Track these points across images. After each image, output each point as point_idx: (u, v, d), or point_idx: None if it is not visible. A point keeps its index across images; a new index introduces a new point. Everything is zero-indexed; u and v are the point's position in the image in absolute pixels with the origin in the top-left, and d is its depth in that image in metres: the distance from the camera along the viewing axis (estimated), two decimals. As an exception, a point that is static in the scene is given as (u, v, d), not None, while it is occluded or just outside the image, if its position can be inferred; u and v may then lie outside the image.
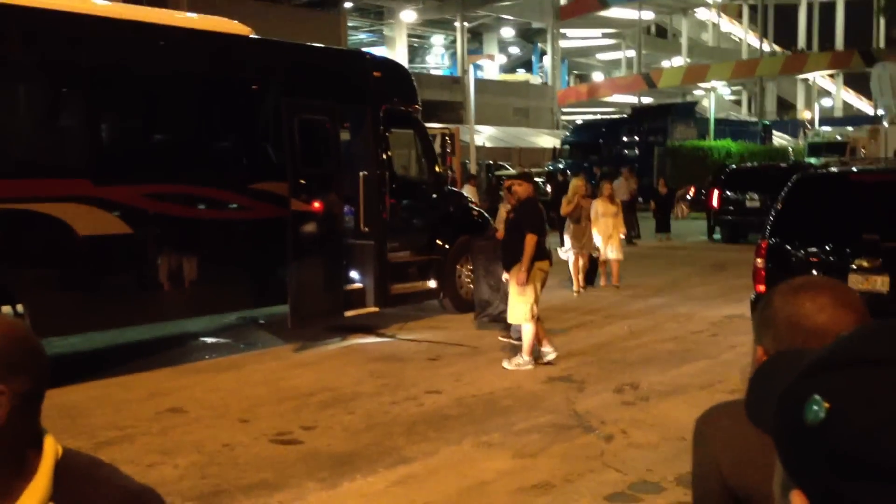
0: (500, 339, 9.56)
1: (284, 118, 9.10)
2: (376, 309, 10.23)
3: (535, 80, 55.39)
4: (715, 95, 40.50)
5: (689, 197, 25.54)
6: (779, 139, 46.30)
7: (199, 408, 7.18)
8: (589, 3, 52.90)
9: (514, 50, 59.42)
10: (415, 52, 53.35)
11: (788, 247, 7.68)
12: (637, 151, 32.13)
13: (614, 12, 54.81)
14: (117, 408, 7.15)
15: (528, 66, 58.69)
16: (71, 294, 8.00)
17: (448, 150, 12.04)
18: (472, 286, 10.92)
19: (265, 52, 9.99)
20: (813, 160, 27.38)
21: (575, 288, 12.87)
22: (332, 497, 5.29)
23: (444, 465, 5.84)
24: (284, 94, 9.33)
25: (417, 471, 5.72)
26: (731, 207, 20.55)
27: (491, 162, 31.46)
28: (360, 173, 10.24)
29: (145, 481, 1.53)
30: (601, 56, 65.79)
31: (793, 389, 0.75)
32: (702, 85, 49.31)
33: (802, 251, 7.65)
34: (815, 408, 0.71)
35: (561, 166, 30.07)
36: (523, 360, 8.40)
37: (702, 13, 64.45)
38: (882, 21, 53.37)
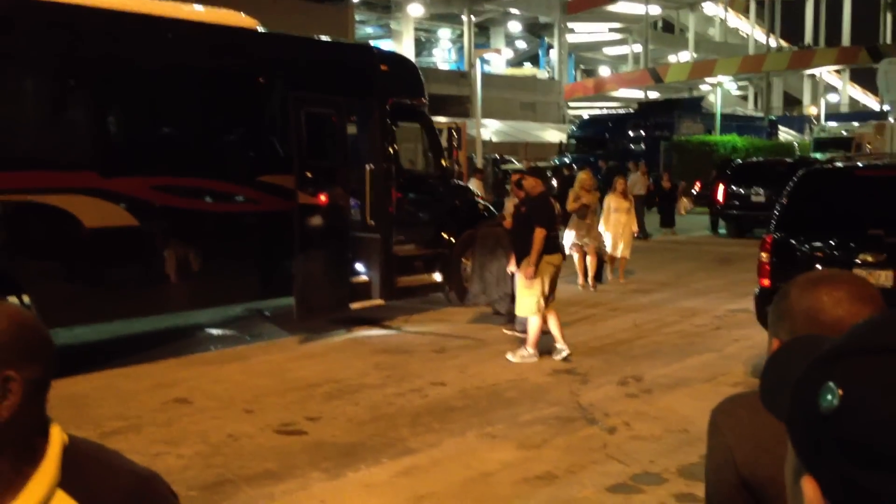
0: (505, 332, 9.59)
1: (291, 111, 9.13)
2: (382, 301, 10.26)
3: (542, 74, 55.26)
4: (721, 91, 40.39)
5: (694, 191, 25.51)
6: (785, 134, 46.17)
7: (204, 398, 7.23)
8: (596, -2, 52.81)
9: (521, 44, 59.26)
10: (422, 45, 53.27)
11: (793, 242, 7.68)
12: (643, 146, 32.10)
13: (621, 7, 54.68)
14: (123, 398, 7.19)
15: (534, 61, 58.55)
16: (77, 285, 8.05)
17: (454, 144, 12.04)
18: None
19: (272, 44, 10.00)
20: (818, 156, 27.33)
21: (580, 282, 12.85)
22: (337, 487, 5.32)
23: (449, 456, 5.87)
24: (291, 87, 9.35)
25: (421, 462, 5.75)
26: (737, 202, 20.53)
27: (497, 156, 31.44)
28: (367, 167, 10.26)
29: (150, 471, 1.56)
30: (608, 51, 65.62)
31: (807, 376, 0.75)
32: (708, 80, 49.26)
33: (807, 246, 7.66)
34: (829, 395, 0.71)
35: (567, 160, 30.03)
36: (528, 352, 8.42)
37: (709, 8, 64.25)
38: (889, 16, 53.21)
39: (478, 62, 30.71)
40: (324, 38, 11.60)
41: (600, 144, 31.87)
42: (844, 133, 32.86)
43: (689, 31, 60.44)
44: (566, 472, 5.53)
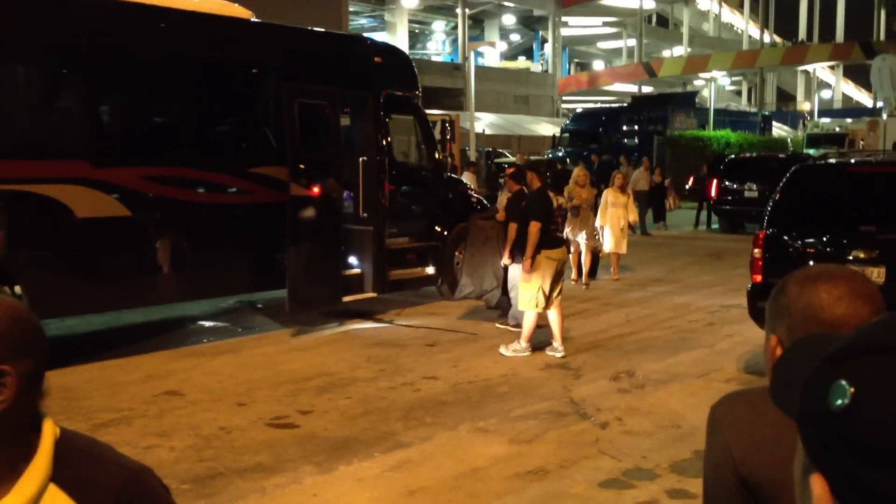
0: (498, 326, 9.59)
1: (284, 103, 9.09)
2: (374, 294, 10.25)
3: (536, 67, 55.23)
4: (715, 85, 40.42)
5: (688, 186, 25.53)
6: (778, 130, 46.27)
7: (196, 391, 7.21)
8: (590, -9, 52.79)
9: (515, 37, 59.19)
10: (416, 37, 53.17)
11: (786, 237, 7.70)
12: (637, 140, 32.11)
13: (615, 1, 54.65)
14: (114, 390, 7.17)
15: (528, 54, 58.51)
16: (69, 276, 8.01)
17: (448, 137, 12.02)
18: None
19: (266, 35, 9.96)
20: (812, 151, 27.39)
21: (573, 277, 12.81)
22: (328, 481, 5.32)
23: (440, 450, 5.87)
24: (284, 78, 9.31)
25: (413, 456, 5.75)
26: (730, 197, 20.57)
27: (490, 149, 31.41)
28: (360, 159, 10.24)
29: (142, 463, 1.55)
30: (602, 44, 65.62)
31: (818, 374, 0.74)
32: (702, 75, 49.22)
33: (800, 242, 7.68)
34: (840, 393, 0.70)
35: (560, 154, 30.04)
36: (520, 346, 8.42)
37: (703, 3, 64.26)
38: (883, 13, 53.30)
39: (472, 55, 30.63)
40: (317, 29, 11.54)
41: (593, 138, 31.85)
42: (838, 129, 32.95)
43: (683, 25, 60.45)
44: (558, 467, 5.53)
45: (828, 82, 63.25)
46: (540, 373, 7.87)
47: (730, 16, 67.44)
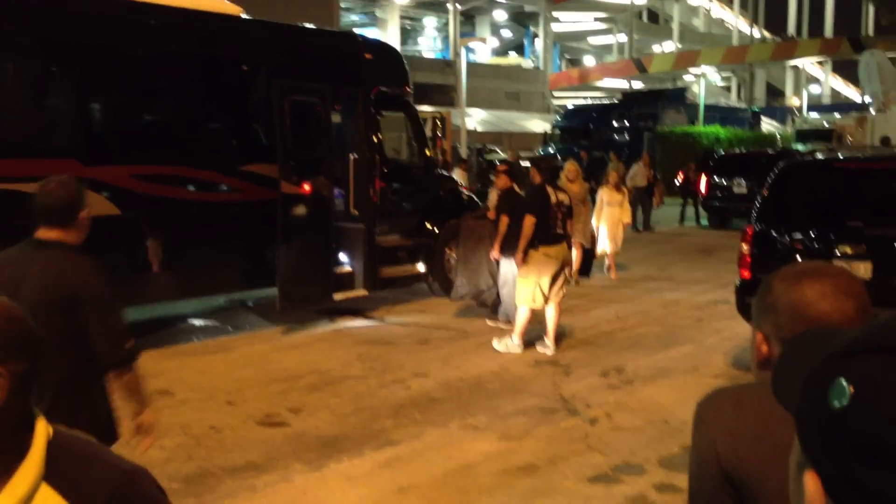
0: (489, 323, 9.61)
1: (275, 100, 9.09)
2: (365, 292, 10.25)
3: (527, 63, 55.23)
4: (705, 81, 40.48)
5: (678, 181, 25.57)
6: (767, 125, 46.37)
7: (186, 390, 7.21)
8: (581, -13, 52.81)
9: (507, 33, 59.16)
10: (407, 34, 53.07)
11: (774, 233, 7.74)
12: (627, 137, 32.15)
13: (606, -4, 54.73)
14: (105, 388, 7.15)
15: (520, 50, 58.49)
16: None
17: (439, 134, 12.02)
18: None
19: (256, 32, 9.93)
20: (800, 146, 27.47)
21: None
22: (319, 479, 5.33)
23: (431, 447, 5.89)
24: (275, 75, 9.30)
25: (403, 453, 5.77)
26: (719, 193, 20.64)
27: (481, 146, 31.41)
28: (351, 156, 10.24)
29: (131, 462, 1.56)
30: (593, 40, 65.63)
31: (819, 371, 0.74)
32: (692, 70, 49.32)
33: (788, 237, 7.71)
34: (840, 392, 0.70)
35: (552, 151, 30.05)
36: (513, 342, 8.43)
37: (693, -2, 64.40)
38: (871, 8, 53.46)
39: (463, 51, 30.66)
40: (308, 25, 11.52)
41: (584, 135, 31.88)
42: (826, 124, 33.01)
43: (673, 21, 60.52)
44: (547, 463, 5.56)
45: (817, 77, 63.43)
46: (530, 369, 7.90)
47: (720, 11, 67.54)
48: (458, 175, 17.17)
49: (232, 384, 7.36)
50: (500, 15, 54.11)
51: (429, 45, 55.99)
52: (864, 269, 7.05)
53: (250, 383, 7.38)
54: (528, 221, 8.21)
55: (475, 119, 36.97)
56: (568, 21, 59.17)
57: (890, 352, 0.70)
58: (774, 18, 63.93)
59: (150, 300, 9.23)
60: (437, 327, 9.58)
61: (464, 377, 7.61)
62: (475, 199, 12.53)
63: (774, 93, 65.15)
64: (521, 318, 8.44)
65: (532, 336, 8.58)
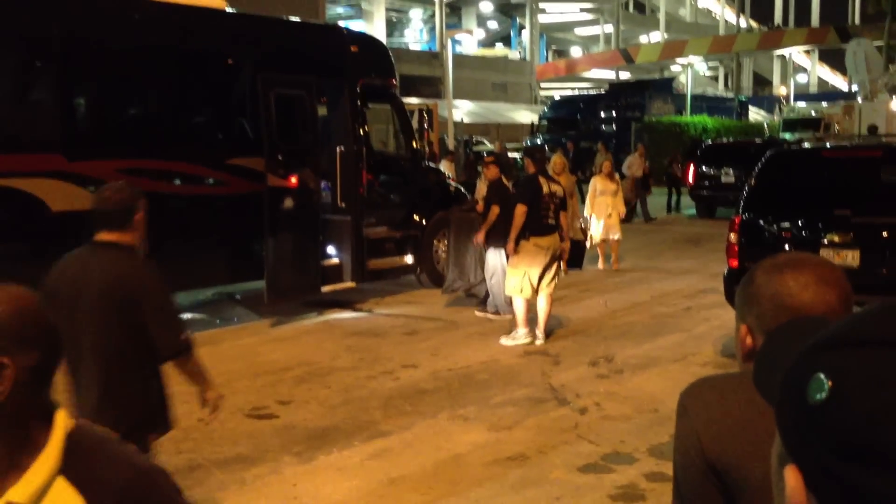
0: (477, 314, 9.62)
1: (260, 93, 9.04)
2: (353, 284, 10.24)
3: (514, 55, 55.21)
4: (692, 71, 40.57)
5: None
6: (755, 115, 46.52)
7: (174, 383, 7.13)
8: (567, -22, 52.80)
9: (493, 24, 59.14)
10: (393, 26, 52.96)
11: (761, 222, 7.76)
12: (614, 127, 32.19)
13: (593, -13, 54.73)
14: (93, 383, 7.12)
15: (506, 41, 58.48)
16: (44, 271, 7.92)
17: (426, 126, 11.99)
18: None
19: (241, 25, 9.89)
20: (788, 136, 27.55)
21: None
22: (308, 471, 5.32)
23: (420, 438, 5.88)
24: (260, 68, 9.25)
25: (393, 444, 5.76)
26: (707, 183, 20.68)
27: (469, 137, 31.39)
28: (337, 148, 10.21)
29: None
30: (579, 31, 65.67)
31: (799, 364, 0.73)
32: (679, 60, 49.40)
33: (775, 226, 7.73)
34: (818, 387, 0.69)
35: (539, 142, 30.06)
36: (520, 332, 8.41)
37: (680, -12, 64.45)
38: (858, -3, 53.62)
39: (449, 43, 30.61)
40: (293, 18, 11.47)
41: (572, 125, 31.92)
42: (813, 113, 33.10)
43: (660, 11, 60.59)
44: (537, 453, 5.56)
45: (804, 67, 63.65)
46: (519, 360, 7.90)
47: (706, 1, 67.64)
48: (445, 167, 17.15)
49: (220, 377, 7.28)
50: (486, 6, 54.06)
51: (415, 36, 55.91)
52: (851, 258, 7.08)
53: (239, 376, 7.36)
54: (520, 210, 8.20)
55: (462, 111, 36.94)
56: (554, 12, 59.18)
57: (868, 346, 0.69)
58: (761, 8, 64.13)
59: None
60: (425, 318, 9.58)
61: (453, 368, 7.61)
62: (462, 190, 12.52)
63: (761, 82, 65.36)
64: (520, 309, 8.40)
65: (503, 322, 8.54)
